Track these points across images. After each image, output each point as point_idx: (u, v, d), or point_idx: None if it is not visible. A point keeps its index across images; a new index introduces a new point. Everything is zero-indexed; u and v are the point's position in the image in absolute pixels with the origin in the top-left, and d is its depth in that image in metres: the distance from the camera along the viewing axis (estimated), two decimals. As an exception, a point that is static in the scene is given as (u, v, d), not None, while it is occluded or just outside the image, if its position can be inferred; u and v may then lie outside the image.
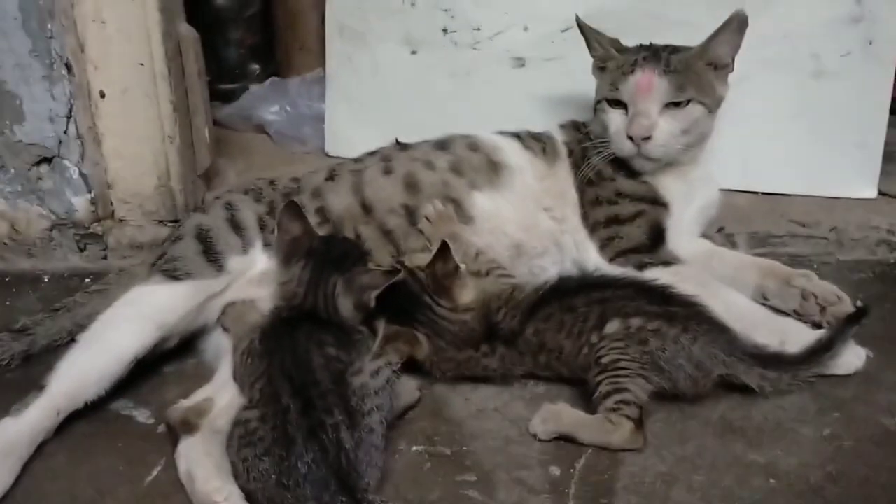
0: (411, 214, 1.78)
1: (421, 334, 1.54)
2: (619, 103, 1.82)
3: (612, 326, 1.48)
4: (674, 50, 1.81)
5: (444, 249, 1.55)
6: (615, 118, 1.83)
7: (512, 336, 1.54)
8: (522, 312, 1.55)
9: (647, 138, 1.76)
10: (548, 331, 1.53)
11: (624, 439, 1.39)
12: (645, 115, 1.76)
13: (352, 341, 1.44)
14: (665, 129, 1.77)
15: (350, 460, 1.23)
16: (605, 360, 1.45)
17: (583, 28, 1.91)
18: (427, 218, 1.75)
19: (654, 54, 1.80)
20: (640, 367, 1.43)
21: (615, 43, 1.89)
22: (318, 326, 1.43)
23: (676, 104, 1.77)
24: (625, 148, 1.80)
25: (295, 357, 1.34)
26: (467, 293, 1.58)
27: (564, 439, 1.43)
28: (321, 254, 1.52)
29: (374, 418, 1.30)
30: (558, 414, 1.44)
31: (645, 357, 1.44)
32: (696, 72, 1.78)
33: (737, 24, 1.76)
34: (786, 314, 1.73)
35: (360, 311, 1.50)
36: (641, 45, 1.86)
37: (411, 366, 1.56)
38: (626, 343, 1.45)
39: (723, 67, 1.82)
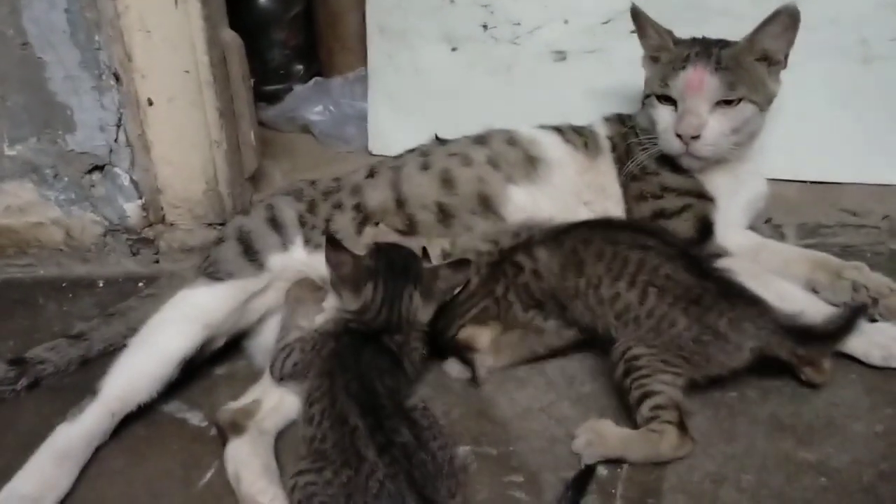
0: (443, 212, 1.79)
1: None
2: (668, 99, 1.79)
3: (650, 301, 1.46)
4: (725, 45, 1.77)
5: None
6: (664, 115, 1.80)
7: (549, 243, 1.59)
8: (557, 232, 1.61)
9: (696, 137, 1.74)
10: (588, 253, 1.54)
11: (672, 446, 1.36)
12: (694, 113, 1.73)
13: (401, 370, 1.46)
14: (715, 128, 1.74)
15: (424, 474, 1.21)
16: (630, 353, 1.43)
17: (638, 15, 1.86)
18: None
19: (706, 50, 1.76)
20: (663, 362, 1.41)
21: (670, 34, 1.86)
22: (377, 352, 1.43)
23: (727, 102, 1.73)
24: (673, 146, 1.78)
25: (361, 382, 1.33)
26: None
27: (612, 462, 1.38)
28: (386, 271, 1.51)
29: (437, 442, 1.28)
30: (603, 436, 1.40)
31: (673, 345, 1.42)
32: (747, 68, 1.75)
33: (787, 18, 1.71)
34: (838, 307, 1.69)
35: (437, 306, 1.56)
36: (694, 39, 1.83)
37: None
38: (655, 334, 1.44)
39: (775, 63, 1.78)
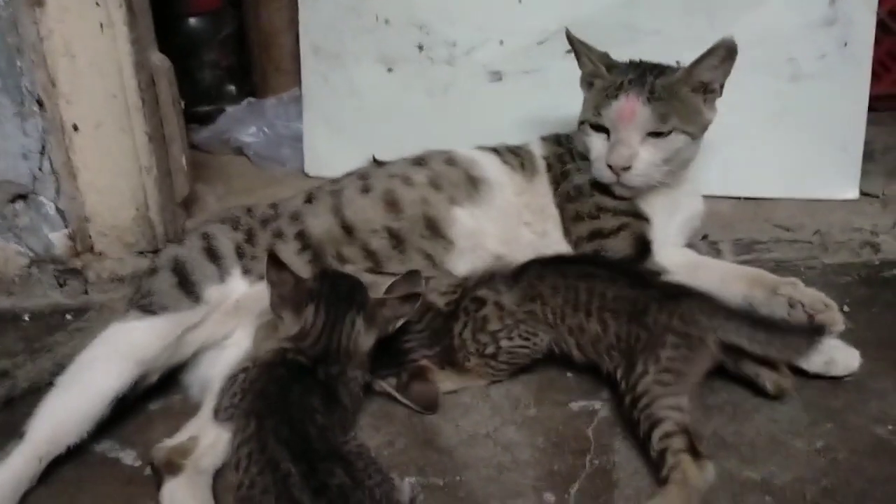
0: (394, 237, 1.76)
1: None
2: (601, 128, 1.80)
3: (612, 327, 1.50)
4: (660, 73, 1.79)
5: None
6: (596, 143, 1.81)
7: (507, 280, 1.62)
8: (513, 272, 1.64)
9: (627, 168, 1.75)
10: (544, 287, 1.58)
11: (697, 475, 1.29)
12: (625, 144, 1.74)
13: (336, 405, 1.39)
14: (645, 159, 1.75)
15: None
16: (632, 384, 1.43)
17: (573, 42, 1.87)
18: None
19: (640, 78, 1.77)
20: (659, 384, 1.40)
21: (604, 58, 1.86)
22: (308, 390, 1.37)
23: (659, 134, 1.75)
24: (604, 175, 1.79)
25: (292, 425, 1.28)
26: None
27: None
28: (329, 294, 1.48)
29: (374, 480, 1.23)
30: None
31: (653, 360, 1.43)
32: (682, 98, 1.76)
33: (724, 52, 1.73)
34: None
35: (381, 339, 1.52)
36: (631, 63, 1.84)
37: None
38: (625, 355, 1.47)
39: (711, 93, 1.80)
